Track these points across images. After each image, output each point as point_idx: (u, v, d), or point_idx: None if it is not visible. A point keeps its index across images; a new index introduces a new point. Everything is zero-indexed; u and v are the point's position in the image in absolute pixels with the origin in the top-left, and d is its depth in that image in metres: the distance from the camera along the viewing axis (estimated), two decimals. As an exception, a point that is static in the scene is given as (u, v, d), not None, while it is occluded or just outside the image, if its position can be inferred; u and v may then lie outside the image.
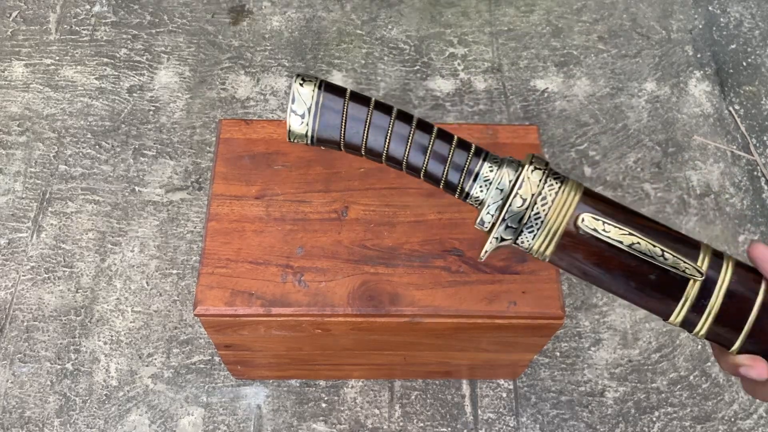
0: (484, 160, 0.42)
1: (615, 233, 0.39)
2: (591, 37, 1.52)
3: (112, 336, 1.15)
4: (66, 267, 1.20)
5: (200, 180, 1.30)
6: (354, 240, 0.84)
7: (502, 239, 0.41)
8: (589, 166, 1.35)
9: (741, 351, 0.40)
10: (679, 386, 1.14)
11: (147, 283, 1.19)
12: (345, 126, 0.42)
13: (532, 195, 0.40)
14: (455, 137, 0.44)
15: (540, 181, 0.40)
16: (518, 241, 0.41)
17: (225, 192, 0.87)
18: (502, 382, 1.13)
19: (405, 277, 0.82)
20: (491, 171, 0.42)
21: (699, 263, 0.39)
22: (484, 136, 0.92)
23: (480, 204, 0.42)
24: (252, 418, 1.09)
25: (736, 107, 1.44)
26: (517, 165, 0.42)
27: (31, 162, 1.30)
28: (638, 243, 0.39)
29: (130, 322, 1.16)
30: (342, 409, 1.10)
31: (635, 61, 1.49)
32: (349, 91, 0.43)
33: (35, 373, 1.11)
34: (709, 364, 1.16)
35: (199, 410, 1.09)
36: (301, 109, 0.42)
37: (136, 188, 1.28)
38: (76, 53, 1.44)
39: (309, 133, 0.42)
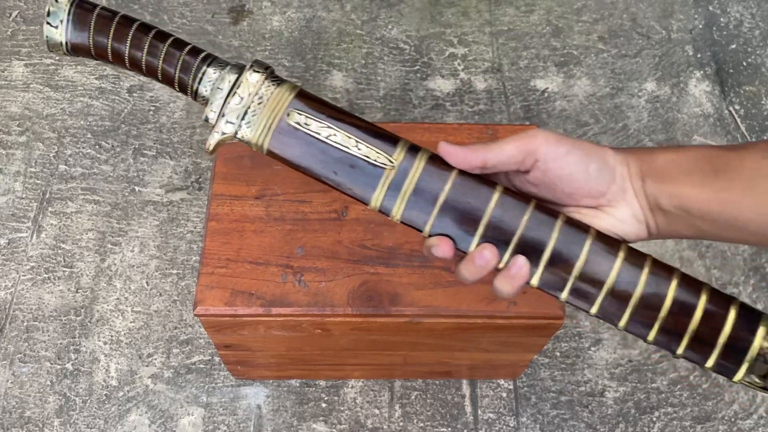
0: (210, 64, 0.48)
1: (315, 126, 0.45)
2: (591, 37, 1.52)
3: (112, 336, 1.15)
4: (66, 267, 1.20)
5: (200, 180, 1.30)
6: (354, 240, 0.84)
7: (224, 133, 0.46)
8: (589, 166, 1.35)
9: (432, 234, 0.45)
10: (679, 386, 1.14)
11: (147, 283, 1.19)
12: (92, 36, 0.49)
13: (249, 94, 0.46)
14: (190, 45, 0.49)
15: (257, 82, 0.46)
16: (238, 135, 0.46)
17: (225, 192, 0.87)
18: (502, 382, 1.13)
19: (405, 277, 0.82)
20: (214, 73, 0.47)
21: (394, 156, 0.44)
22: (484, 136, 0.92)
23: (206, 102, 0.48)
24: (252, 418, 1.09)
25: (736, 107, 1.44)
26: (240, 68, 0.47)
27: (31, 162, 1.30)
28: (335, 135, 0.45)
29: (130, 322, 1.16)
30: (342, 409, 1.10)
31: (635, 61, 1.49)
32: (99, 7, 0.49)
33: (35, 373, 1.11)
34: (709, 364, 1.16)
35: (199, 410, 1.09)
36: (55, 21, 0.49)
37: (136, 188, 1.28)
38: (76, 53, 1.44)
39: (63, 42, 0.50)
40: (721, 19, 1.56)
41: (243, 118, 0.46)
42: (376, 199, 0.45)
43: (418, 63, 1.47)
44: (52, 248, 1.22)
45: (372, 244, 0.84)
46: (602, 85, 1.46)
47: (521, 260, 0.43)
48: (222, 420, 1.09)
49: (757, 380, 0.42)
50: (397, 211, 0.45)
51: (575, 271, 0.43)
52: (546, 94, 1.44)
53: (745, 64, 1.50)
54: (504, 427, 1.10)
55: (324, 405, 1.10)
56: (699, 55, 1.51)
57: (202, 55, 0.49)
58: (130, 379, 1.11)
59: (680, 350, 0.43)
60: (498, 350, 0.96)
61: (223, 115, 0.46)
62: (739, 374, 0.42)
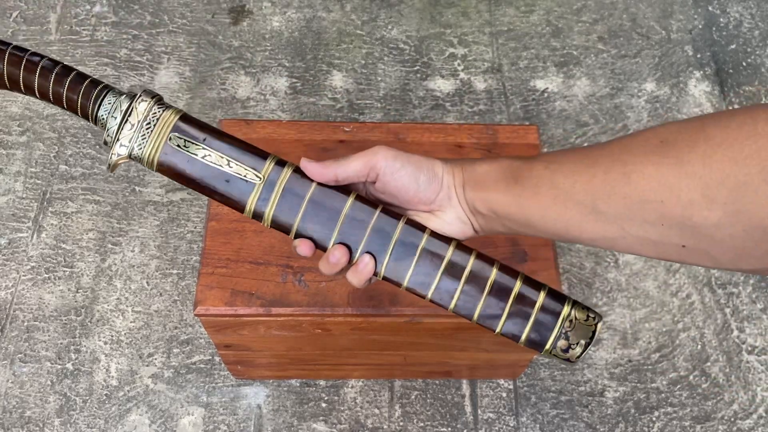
0: (107, 93, 0.53)
1: (192, 148, 0.52)
2: (591, 37, 1.53)
3: (112, 336, 1.15)
4: (66, 267, 1.20)
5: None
6: (354, 240, 0.84)
7: (119, 155, 0.53)
8: (589, 166, 1.35)
9: (296, 236, 0.52)
10: (678, 386, 1.14)
11: (147, 283, 1.19)
12: (5, 68, 0.54)
13: (139, 121, 0.52)
14: (89, 78, 0.54)
15: (145, 110, 0.52)
16: (132, 155, 0.53)
17: (225, 192, 0.87)
18: (502, 382, 1.13)
19: (405, 277, 0.82)
20: (110, 103, 0.53)
21: (263, 170, 0.51)
22: (484, 136, 0.92)
23: (105, 127, 0.54)
24: (252, 418, 1.09)
25: (736, 107, 1.44)
26: (132, 97, 0.53)
27: (31, 162, 1.30)
28: (210, 155, 0.52)
29: (131, 322, 1.16)
30: (342, 408, 1.10)
31: (635, 61, 1.49)
32: (11, 45, 0.54)
33: (35, 373, 1.11)
34: (708, 363, 1.16)
35: (199, 410, 1.09)
36: None
37: (137, 188, 1.28)
38: (77, 53, 1.44)
39: None
40: (721, 20, 1.57)
41: (135, 141, 0.52)
42: (249, 207, 0.52)
43: (418, 63, 1.47)
44: (52, 248, 1.22)
45: (372, 244, 0.84)
46: (602, 85, 1.46)
47: (367, 258, 0.51)
48: (222, 420, 1.09)
49: (561, 353, 0.50)
50: (267, 216, 0.52)
51: (414, 260, 0.51)
52: (546, 95, 1.44)
53: (744, 64, 1.50)
54: (504, 426, 1.10)
55: (324, 405, 1.11)
56: (699, 56, 1.51)
57: (100, 85, 0.54)
58: (131, 378, 1.11)
59: (498, 328, 0.50)
60: (498, 350, 0.96)
61: (118, 140, 0.52)
62: (546, 347, 0.50)
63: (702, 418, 1.12)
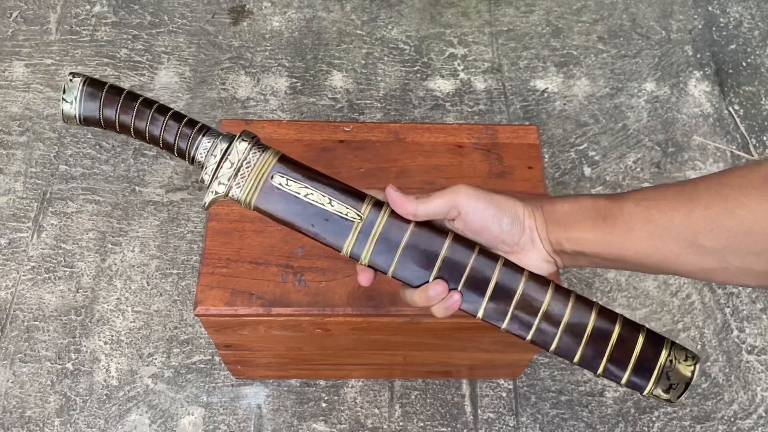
0: (204, 134, 0.55)
1: (294, 187, 0.53)
2: (591, 37, 1.53)
3: (112, 336, 1.15)
4: (66, 267, 1.20)
5: (200, 180, 1.30)
6: (354, 240, 0.84)
7: (216, 192, 0.54)
8: (589, 166, 1.35)
9: (394, 276, 0.52)
10: (678, 386, 1.14)
11: (147, 283, 1.20)
12: (102, 110, 0.55)
13: (239, 160, 0.53)
14: (186, 117, 0.56)
15: (245, 150, 0.53)
16: (230, 195, 0.54)
17: (225, 192, 0.87)
18: (502, 381, 1.13)
19: (405, 277, 0.82)
20: (209, 142, 0.54)
21: (362, 210, 0.52)
22: (484, 136, 0.92)
23: (202, 167, 0.55)
24: (252, 418, 1.09)
25: (736, 107, 1.44)
26: (231, 138, 0.54)
27: (31, 162, 1.30)
28: (312, 194, 0.53)
29: (131, 322, 1.16)
30: (342, 408, 1.10)
31: (635, 61, 1.49)
32: (108, 85, 0.56)
33: (36, 373, 1.11)
34: (708, 363, 1.16)
35: (199, 410, 1.09)
36: (70, 98, 0.55)
37: (137, 188, 1.28)
38: (77, 53, 1.44)
39: (76, 115, 0.55)
40: (721, 20, 1.57)
41: (234, 180, 0.53)
42: (347, 247, 0.52)
43: (418, 63, 1.47)
44: (52, 248, 1.22)
45: (372, 244, 0.84)
46: (602, 85, 1.46)
47: (456, 296, 0.52)
48: (222, 420, 1.09)
49: (662, 393, 0.50)
50: (365, 257, 0.52)
51: (514, 303, 0.51)
52: (546, 95, 1.44)
53: (744, 64, 1.50)
54: (504, 426, 1.10)
55: (324, 405, 1.11)
56: (698, 56, 1.51)
57: (198, 126, 0.56)
58: (131, 378, 1.11)
59: (600, 370, 0.50)
60: (498, 350, 0.96)
61: (216, 178, 0.54)
62: (648, 388, 0.50)
63: (702, 418, 1.12)
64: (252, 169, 0.53)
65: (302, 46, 1.48)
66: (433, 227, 0.52)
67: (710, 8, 1.58)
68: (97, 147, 1.32)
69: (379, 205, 0.53)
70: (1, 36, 1.46)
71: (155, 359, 1.13)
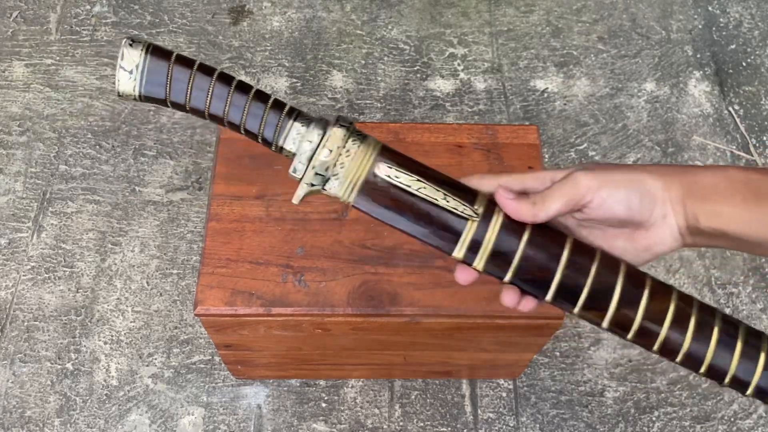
0: (296, 118, 0.48)
1: (405, 179, 0.46)
2: (591, 37, 1.53)
3: (112, 336, 1.15)
4: (66, 267, 1.20)
5: (200, 180, 1.30)
6: (354, 240, 0.84)
7: (312, 185, 0.48)
8: (589, 166, 1.35)
9: (512, 282, 0.46)
10: (678, 386, 1.14)
11: (147, 282, 1.20)
12: (170, 86, 0.47)
13: (337, 147, 0.47)
14: (271, 98, 0.49)
15: (344, 136, 0.47)
16: (326, 188, 0.48)
17: (225, 192, 0.87)
18: (502, 381, 1.13)
19: (405, 277, 0.82)
20: (302, 126, 0.48)
21: (476, 208, 0.46)
22: (484, 136, 0.92)
23: (293, 156, 0.48)
24: (252, 418, 1.09)
25: (736, 107, 1.44)
26: (325, 123, 0.48)
27: (31, 162, 1.30)
28: (424, 188, 0.46)
29: (131, 322, 1.16)
30: (342, 408, 1.10)
31: (635, 61, 1.49)
32: (174, 54, 0.47)
33: (36, 373, 1.11)
34: (708, 363, 1.16)
35: (199, 410, 1.09)
36: (129, 67, 0.46)
37: (137, 188, 1.28)
38: (77, 53, 1.44)
39: (136, 90, 0.47)
40: (721, 20, 1.57)
41: (332, 170, 0.47)
42: (459, 249, 0.46)
43: (418, 63, 1.47)
44: (52, 248, 1.22)
45: (372, 244, 0.84)
46: (602, 85, 1.46)
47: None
48: (222, 420, 1.09)
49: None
50: (480, 260, 0.46)
51: (638, 317, 0.45)
52: (546, 95, 1.44)
53: (744, 64, 1.50)
54: (504, 426, 1.10)
55: (324, 405, 1.11)
56: (698, 56, 1.51)
57: (287, 108, 0.48)
58: (131, 378, 1.11)
59: (703, 369, 0.45)
60: (498, 350, 0.96)
61: (313, 167, 0.47)
62: (750, 390, 0.44)
63: (702, 417, 1.12)
64: (352, 159, 0.47)
65: (302, 46, 1.48)
66: (550, 232, 0.47)
67: (710, 8, 1.58)
68: (97, 147, 1.32)
69: (492, 201, 0.46)
70: (1, 36, 1.46)
71: (155, 359, 1.13)
